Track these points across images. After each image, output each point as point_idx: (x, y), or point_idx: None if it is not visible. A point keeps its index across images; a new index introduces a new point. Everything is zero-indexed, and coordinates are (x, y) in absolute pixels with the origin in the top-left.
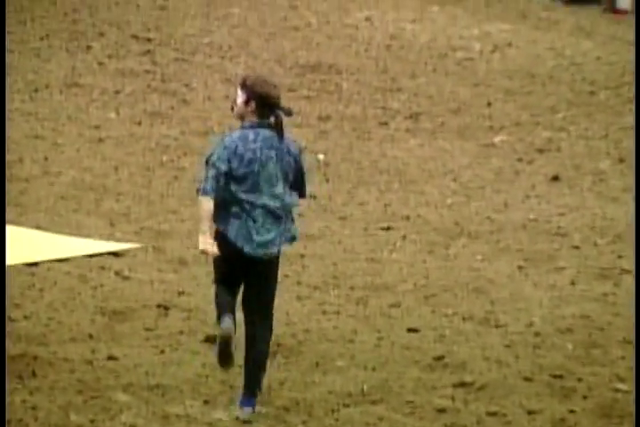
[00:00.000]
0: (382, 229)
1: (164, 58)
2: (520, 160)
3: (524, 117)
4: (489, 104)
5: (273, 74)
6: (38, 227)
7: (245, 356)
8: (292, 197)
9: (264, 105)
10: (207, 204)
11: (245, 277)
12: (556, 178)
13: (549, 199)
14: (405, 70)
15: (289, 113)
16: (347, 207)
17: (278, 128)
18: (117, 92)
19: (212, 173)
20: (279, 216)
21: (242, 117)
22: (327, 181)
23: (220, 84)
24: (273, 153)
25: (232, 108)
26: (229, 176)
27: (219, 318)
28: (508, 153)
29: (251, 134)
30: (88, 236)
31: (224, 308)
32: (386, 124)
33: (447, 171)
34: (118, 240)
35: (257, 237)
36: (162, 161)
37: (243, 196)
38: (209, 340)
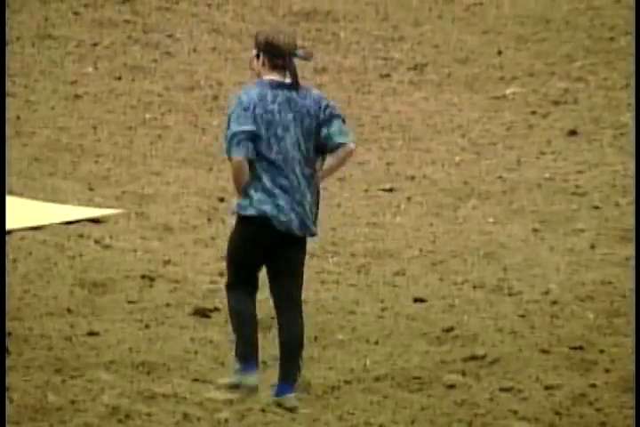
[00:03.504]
0: (385, 190)
1: (146, 7)
2: (534, 113)
3: (537, 67)
4: (499, 53)
5: (264, 22)
6: (11, 192)
7: (280, 341)
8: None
9: (274, 55)
10: (236, 163)
11: (274, 262)
12: (573, 132)
13: (566, 156)
14: (408, 17)
15: (306, 57)
16: (346, 167)
17: (293, 80)
18: (95, 45)
19: (230, 133)
20: (310, 185)
21: (259, 76)
22: None
23: (206, 35)
24: (291, 116)
25: (252, 69)
26: (252, 137)
27: (242, 359)
28: (521, 106)
29: (269, 94)
30: (65, 201)
31: (249, 348)
32: (387, 76)
33: (455, 126)
34: (98, 206)
35: (290, 211)
36: (144, 119)
37: (268, 163)
38: (197, 313)
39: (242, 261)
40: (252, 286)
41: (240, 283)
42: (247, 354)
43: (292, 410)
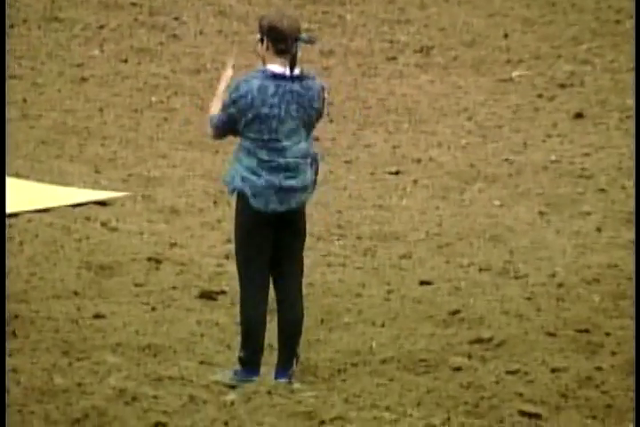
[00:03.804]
0: (391, 173)
1: None
2: (540, 96)
3: (544, 50)
4: (506, 35)
5: (270, 5)
6: (17, 174)
7: (279, 322)
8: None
9: (278, 40)
10: (209, 137)
11: (276, 239)
12: (579, 115)
13: (572, 138)
14: (414, 0)
15: (310, 41)
16: (352, 150)
17: (292, 66)
18: (101, 27)
19: (217, 120)
20: (303, 170)
21: (264, 61)
22: (331, 121)
23: (212, 18)
24: (293, 108)
25: (257, 53)
26: (242, 124)
27: (247, 365)
28: (527, 89)
29: (271, 86)
30: (71, 184)
31: (256, 355)
32: (394, 58)
33: (461, 109)
34: (104, 188)
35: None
36: (150, 102)
37: (262, 152)
38: (204, 295)
39: (253, 240)
40: (264, 279)
41: (255, 277)
42: (253, 361)
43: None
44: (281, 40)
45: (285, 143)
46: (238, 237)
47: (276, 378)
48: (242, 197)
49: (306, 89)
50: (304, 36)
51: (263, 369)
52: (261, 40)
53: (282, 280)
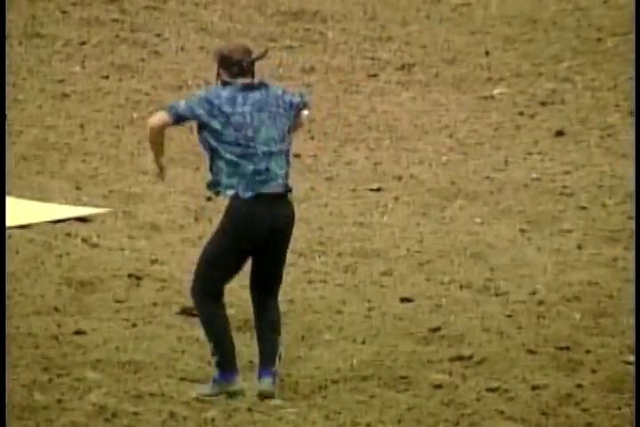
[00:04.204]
0: (372, 190)
1: (134, 5)
2: (521, 114)
3: (525, 67)
4: (487, 53)
5: (252, 22)
6: None
7: (258, 325)
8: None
9: (231, 65)
10: (163, 127)
11: (260, 252)
12: (560, 133)
13: (553, 156)
14: (396, 17)
15: (261, 56)
16: (333, 167)
17: (257, 81)
18: (83, 44)
19: (181, 105)
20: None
21: None
22: (312, 138)
23: (194, 34)
24: (265, 116)
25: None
26: (212, 135)
27: (226, 367)
28: (509, 106)
29: (239, 97)
30: (52, 200)
31: (230, 354)
32: (375, 75)
33: (442, 126)
34: (85, 204)
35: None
36: (132, 118)
37: (240, 160)
38: (184, 312)
39: (227, 258)
40: (222, 293)
41: (214, 289)
42: (230, 361)
43: (265, 395)
44: (234, 64)
45: (264, 150)
46: (220, 237)
47: (259, 377)
48: (235, 200)
49: (273, 96)
50: (254, 56)
51: (243, 384)
52: (218, 73)
53: (262, 290)
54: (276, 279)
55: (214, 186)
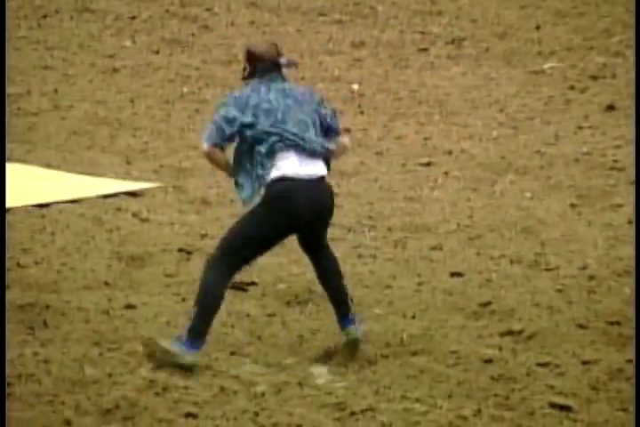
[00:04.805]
0: (422, 164)
1: None
2: (572, 88)
3: (576, 41)
4: (538, 27)
5: None
6: (48, 165)
7: (319, 275)
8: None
9: (257, 62)
10: (205, 154)
11: (301, 231)
12: (611, 107)
13: (604, 130)
14: None
15: (289, 65)
16: (383, 142)
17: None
18: (133, 18)
19: (216, 119)
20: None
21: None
22: (362, 113)
23: (244, 9)
24: (290, 101)
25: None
26: (248, 129)
27: (196, 338)
28: (559, 81)
29: (262, 87)
30: (103, 174)
31: (206, 329)
32: (425, 50)
33: (492, 101)
34: (135, 179)
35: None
36: (182, 93)
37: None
38: (234, 286)
39: (263, 240)
40: (239, 271)
41: (235, 267)
42: (203, 334)
43: (353, 343)
44: (261, 61)
45: (299, 133)
46: (247, 229)
47: (343, 327)
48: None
49: (295, 87)
50: (283, 60)
51: (291, 360)
52: (244, 68)
53: (310, 247)
54: (321, 241)
55: (258, 179)
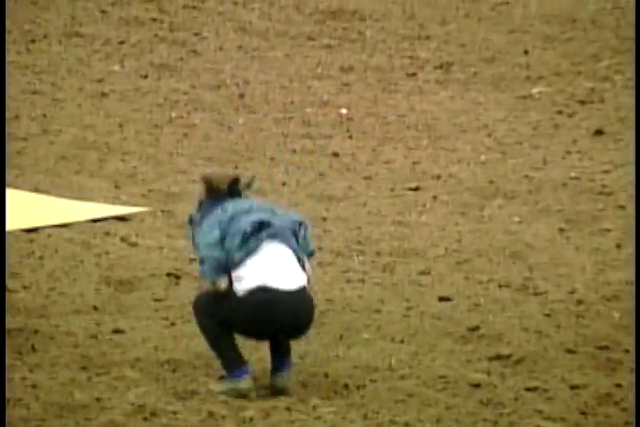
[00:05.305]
0: (410, 189)
1: (172, 5)
2: (560, 113)
3: (564, 66)
4: (526, 52)
5: (290, 21)
6: (37, 189)
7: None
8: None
9: (209, 190)
10: (219, 285)
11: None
12: (599, 132)
13: (592, 155)
14: (435, 16)
15: (249, 184)
16: (372, 166)
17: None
18: (122, 43)
19: (205, 257)
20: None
21: None
22: (350, 137)
23: (232, 33)
24: (264, 235)
25: None
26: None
27: (232, 366)
28: (547, 105)
29: (244, 204)
30: (91, 199)
31: (235, 353)
32: (414, 75)
33: (481, 125)
34: (124, 203)
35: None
36: (170, 117)
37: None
38: None
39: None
40: None
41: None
42: (237, 361)
43: (280, 390)
44: (216, 191)
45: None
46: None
47: (272, 371)
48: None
49: (278, 218)
50: (241, 183)
51: (252, 383)
52: (200, 202)
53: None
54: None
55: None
